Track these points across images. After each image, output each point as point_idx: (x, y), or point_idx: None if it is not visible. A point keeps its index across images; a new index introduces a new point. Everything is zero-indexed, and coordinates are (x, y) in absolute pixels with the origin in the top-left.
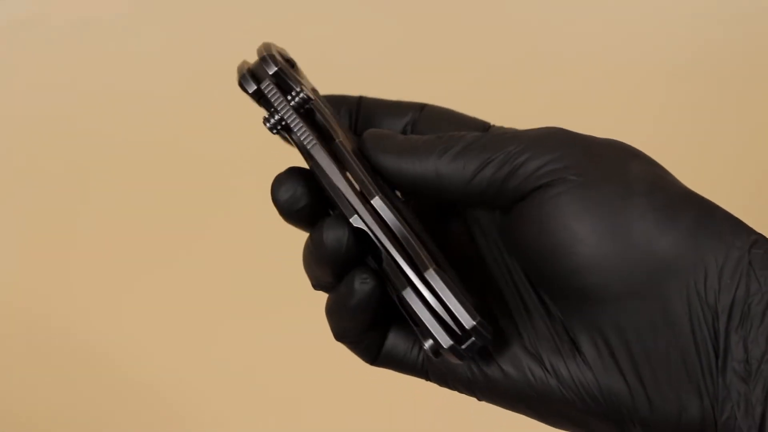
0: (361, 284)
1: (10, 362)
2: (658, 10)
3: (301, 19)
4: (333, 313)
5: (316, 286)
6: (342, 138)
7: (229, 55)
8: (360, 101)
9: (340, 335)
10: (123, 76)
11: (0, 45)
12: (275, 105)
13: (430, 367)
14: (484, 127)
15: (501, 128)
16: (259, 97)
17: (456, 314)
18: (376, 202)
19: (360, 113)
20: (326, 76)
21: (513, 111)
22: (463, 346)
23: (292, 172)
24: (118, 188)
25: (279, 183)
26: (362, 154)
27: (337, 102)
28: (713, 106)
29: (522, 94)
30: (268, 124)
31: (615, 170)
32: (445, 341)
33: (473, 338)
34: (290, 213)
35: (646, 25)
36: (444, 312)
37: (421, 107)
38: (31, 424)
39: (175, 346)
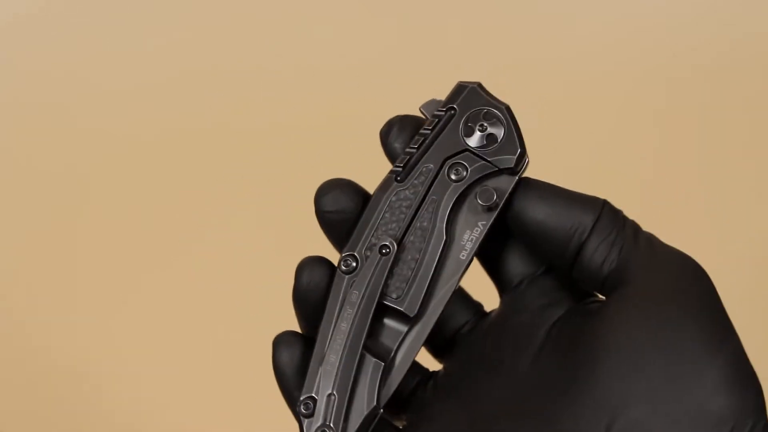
0: None
1: (8, 361)
2: (658, 10)
3: (300, 19)
4: None
5: None
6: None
7: (231, 54)
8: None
9: None
10: (123, 76)
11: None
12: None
13: None
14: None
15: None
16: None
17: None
18: None
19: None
20: (327, 76)
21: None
22: None
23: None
24: (118, 188)
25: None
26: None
27: None
28: (714, 106)
29: (522, 93)
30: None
31: (686, 311)
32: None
33: None
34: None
35: (646, 24)
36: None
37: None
38: (28, 422)
39: (174, 347)
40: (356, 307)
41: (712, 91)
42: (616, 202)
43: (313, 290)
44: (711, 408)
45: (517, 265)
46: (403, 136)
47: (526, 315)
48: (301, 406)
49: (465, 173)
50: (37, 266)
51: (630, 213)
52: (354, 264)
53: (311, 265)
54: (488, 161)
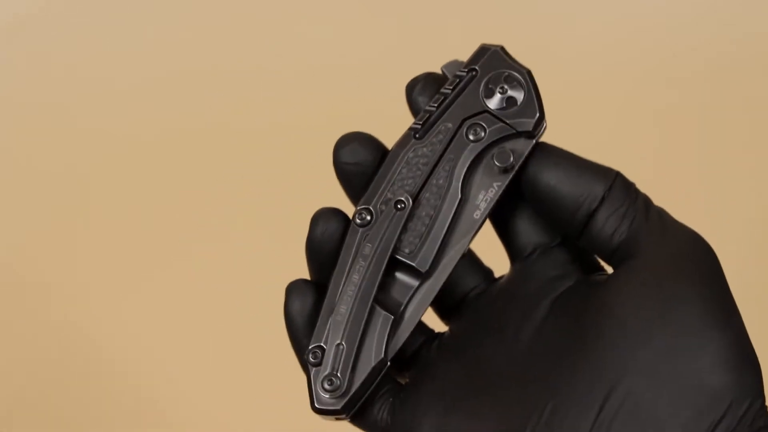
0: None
1: (8, 362)
2: (658, 10)
3: (300, 19)
4: None
5: None
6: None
7: (231, 54)
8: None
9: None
10: (123, 76)
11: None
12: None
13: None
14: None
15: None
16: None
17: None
18: None
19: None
20: (327, 76)
21: None
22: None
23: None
24: (118, 187)
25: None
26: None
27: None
28: (714, 106)
29: None
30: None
31: (692, 288)
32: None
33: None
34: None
35: (646, 24)
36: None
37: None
38: (29, 423)
39: (175, 348)
40: (369, 259)
41: (712, 91)
42: None
43: (326, 241)
44: (710, 384)
45: (530, 234)
46: (428, 91)
47: (535, 283)
48: (309, 355)
49: (483, 134)
50: (37, 266)
51: None
52: (369, 217)
53: (326, 216)
54: (507, 123)
